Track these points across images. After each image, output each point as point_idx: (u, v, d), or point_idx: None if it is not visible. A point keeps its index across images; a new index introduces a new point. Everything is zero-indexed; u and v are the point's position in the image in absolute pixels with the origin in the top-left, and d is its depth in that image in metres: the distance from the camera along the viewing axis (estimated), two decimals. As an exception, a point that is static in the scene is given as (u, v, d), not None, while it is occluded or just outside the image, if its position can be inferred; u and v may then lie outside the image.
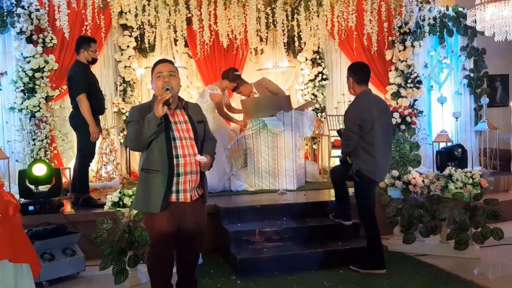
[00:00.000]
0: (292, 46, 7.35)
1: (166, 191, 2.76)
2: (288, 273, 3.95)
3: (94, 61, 4.88)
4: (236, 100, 6.53)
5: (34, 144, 5.71)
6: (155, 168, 2.79)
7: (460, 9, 7.33)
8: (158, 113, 2.66)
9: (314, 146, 7.44)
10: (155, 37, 6.31)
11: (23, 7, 5.67)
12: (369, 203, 3.97)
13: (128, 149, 6.60)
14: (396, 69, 6.97)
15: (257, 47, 7.20)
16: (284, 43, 6.87)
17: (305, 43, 6.93)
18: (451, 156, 5.61)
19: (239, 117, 6.14)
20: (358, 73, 3.95)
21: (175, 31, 6.18)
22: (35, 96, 5.70)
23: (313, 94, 7.54)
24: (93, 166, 5.82)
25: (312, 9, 6.25)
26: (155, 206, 2.78)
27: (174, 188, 2.81)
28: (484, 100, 7.27)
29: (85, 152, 4.79)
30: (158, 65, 2.92)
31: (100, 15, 5.68)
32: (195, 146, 2.86)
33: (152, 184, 2.79)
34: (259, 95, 5.93)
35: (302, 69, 7.66)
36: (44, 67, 5.75)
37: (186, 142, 2.84)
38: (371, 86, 6.45)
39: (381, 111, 3.91)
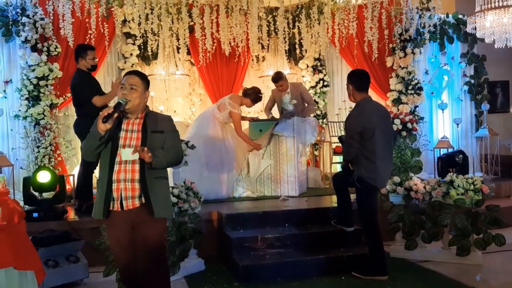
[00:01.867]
0: (293, 53, 7.40)
1: (105, 198, 2.71)
2: (290, 279, 3.96)
3: (93, 68, 4.87)
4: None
5: (39, 151, 5.75)
6: (100, 174, 2.79)
7: (460, 16, 7.38)
8: (100, 128, 2.60)
9: (316, 152, 7.47)
10: (158, 45, 6.38)
11: (28, 16, 5.74)
12: (371, 209, 3.99)
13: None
14: (397, 75, 7.00)
15: (258, 55, 7.27)
16: (286, 50, 6.93)
17: (306, 50, 6.98)
18: (452, 162, 5.61)
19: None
20: (358, 81, 3.98)
21: (178, 39, 6.26)
22: (39, 104, 5.76)
23: (314, 100, 7.58)
24: (96, 173, 5.84)
25: (313, 16, 6.32)
26: (98, 212, 2.76)
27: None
28: (485, 106, 7.30)
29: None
30: (125, 76, 2.86)
31: (104, 23, 5.75)
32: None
33: (98, 190, 2.79)
34: (291, 95, 6.11)
35: (303, 76, 7.71)
36: (48, 75, 5.81)
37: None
38: (372, 92, 6.47)
39: (381, 118, 3.94)
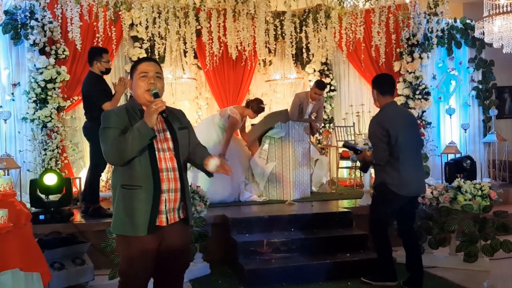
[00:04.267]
0: (300, 58, 7.40)
1: (152, 210, 2.33)
2: (296, 284, 3.94)
3: (108, 71, 4.85)
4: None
5: (45, 154, 5.78)
6: (138, 183, 2.35)
7: (468, 21, 7.34)
8: (152, 124, 2.27)
9: (322, 157, 7.45)
10: (165, 49, 6.41)
11: (36, 20, 5.78)
12: (385, 217, 3.84)
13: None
14: (404, 80, 6.98)
15: (265, 59, 7.28)
16: (292, 54, 6.94)
17: (313, 55, 6.98)
18: (460, 167, 5.58)
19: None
20: (381, 84, 3.85)
21: (185, 43, 6.29)
22: (47, 107, 5.79)
23: (321, 105, 7.58)
24: (103, 175, 5.86)
25: (320, 21, 6.33)
26: (141, 228, 2.33)
27: None
28: (493, 111, 7.25)
29: (97, 162, 4.83)
30: (142, 63, 2.46)
31: (112, 27, 5.80)
32: (175, 158, 2.40)
33: (136, 202, 2.34)
34: (313, 107, 6.34)
35: (310, 80, 7.70)
36: (56, 78, 5.84)
37: (164, 155, 2.39)
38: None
39: (406, 124, 3.77)
